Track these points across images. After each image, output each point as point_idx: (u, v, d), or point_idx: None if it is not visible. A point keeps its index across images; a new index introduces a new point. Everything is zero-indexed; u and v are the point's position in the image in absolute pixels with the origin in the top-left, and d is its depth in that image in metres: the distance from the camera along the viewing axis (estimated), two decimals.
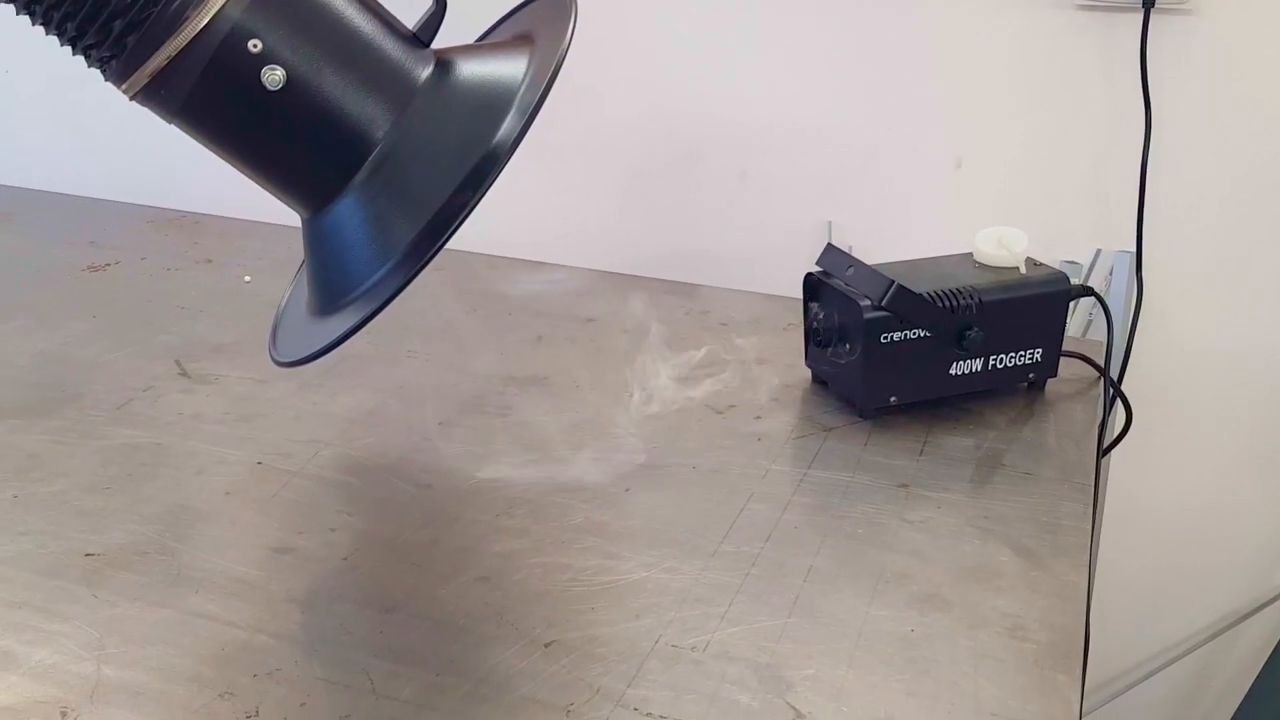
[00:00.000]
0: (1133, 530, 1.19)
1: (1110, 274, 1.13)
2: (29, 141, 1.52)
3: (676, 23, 1.18)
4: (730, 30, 1.17)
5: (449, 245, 1.18)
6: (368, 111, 0.60)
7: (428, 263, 0.58)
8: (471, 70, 0.63)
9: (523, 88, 0.60)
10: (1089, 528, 0.71)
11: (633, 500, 0.74)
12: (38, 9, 0.57)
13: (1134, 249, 1.10)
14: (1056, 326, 0.87)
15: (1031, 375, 0.88)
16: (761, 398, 0.87)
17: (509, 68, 0.63)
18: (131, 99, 0.60)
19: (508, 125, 0.58)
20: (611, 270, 1.14)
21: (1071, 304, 0.98)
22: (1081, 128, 1.09)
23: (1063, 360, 0.90)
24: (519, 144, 0.57)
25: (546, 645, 0.60)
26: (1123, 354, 1.11)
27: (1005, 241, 0.88)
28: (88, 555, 0.68)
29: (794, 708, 0.56)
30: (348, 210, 0.62)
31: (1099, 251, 1.13)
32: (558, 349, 0.96)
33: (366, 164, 0.61)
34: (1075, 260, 1.14)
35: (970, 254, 0.90)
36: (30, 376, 0.90)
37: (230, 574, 0.66)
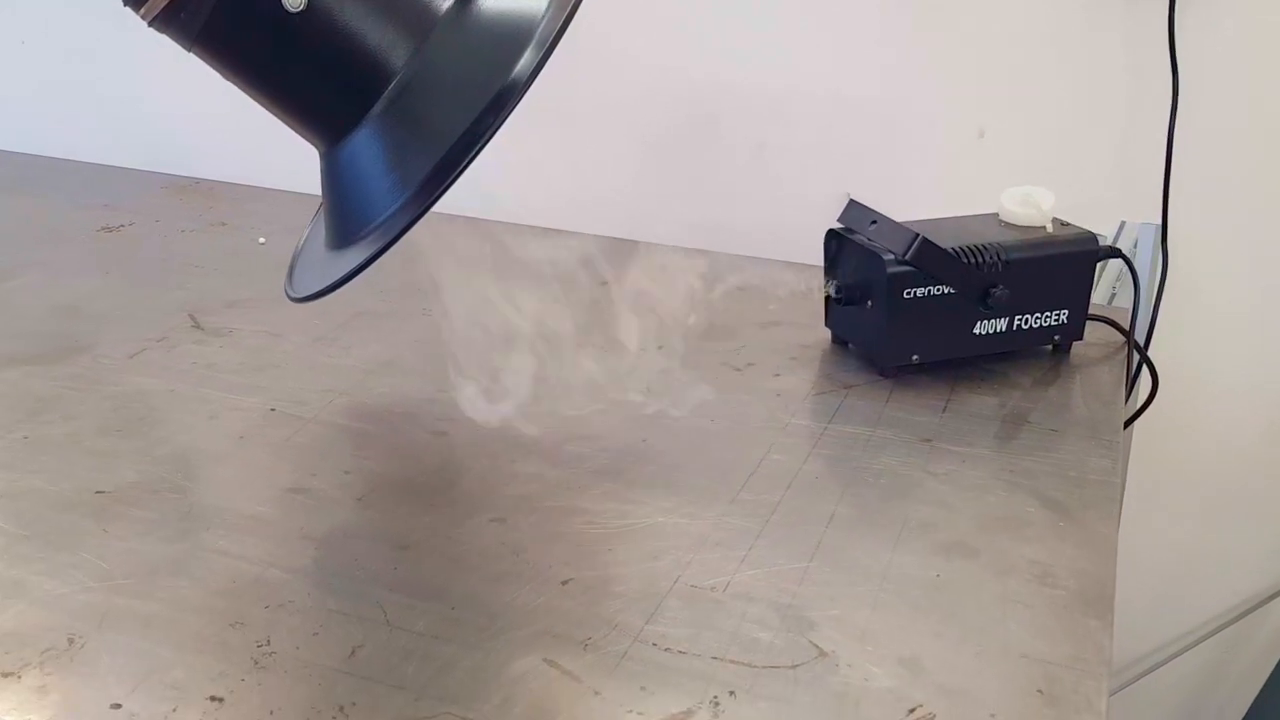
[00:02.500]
0: (1152, 508, 1.17)
1: (1135, 246, 1.11)
2: (46, 110, 1.51)
3: None
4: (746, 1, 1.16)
5: (465, 212, 1.17)
6: (389, 39, 0.59)
7: (442, 194, 0.58)
8: (493, 2, 0.62)
9: (543, 21, 0.59)
10: (1118, 482, 0.69)
11: (650, 449, 0.72)
12: None
13: (1159, 221, 1.08)
14: (1083, 288, 0.86)
15: (1057, 337, 0.86)
16: (780, 357, 0.86)
17: (530, 1, 0.62)
18: (150, 24, 0.59)
19: (526, 58, 0.57)
20: (625, 237, 1.13)
21: (1099, 268, 0.97)
22: (1107, 97, 1.07)
23: (1088, 325, 0.89)
24: (536, 77, 0.56)
25: (563, 583, 0.59)
26: (1147, 327, 1.09)
27: (1033, 199, 0.86)
28: (98, 493, 0.67)
29: (817, 646, 0.54)
30: (365, 141, 0.61)
31: (1124, 223, 1.11)
32: (572, 309, 0.94)
33: (385, 94, 0.60)
34: (1099, 232, 1.12)
35: (996, 214, 0.88)
36: (43, 327, 0.90)
37: (243, 512, 0.65)
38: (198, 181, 1.28)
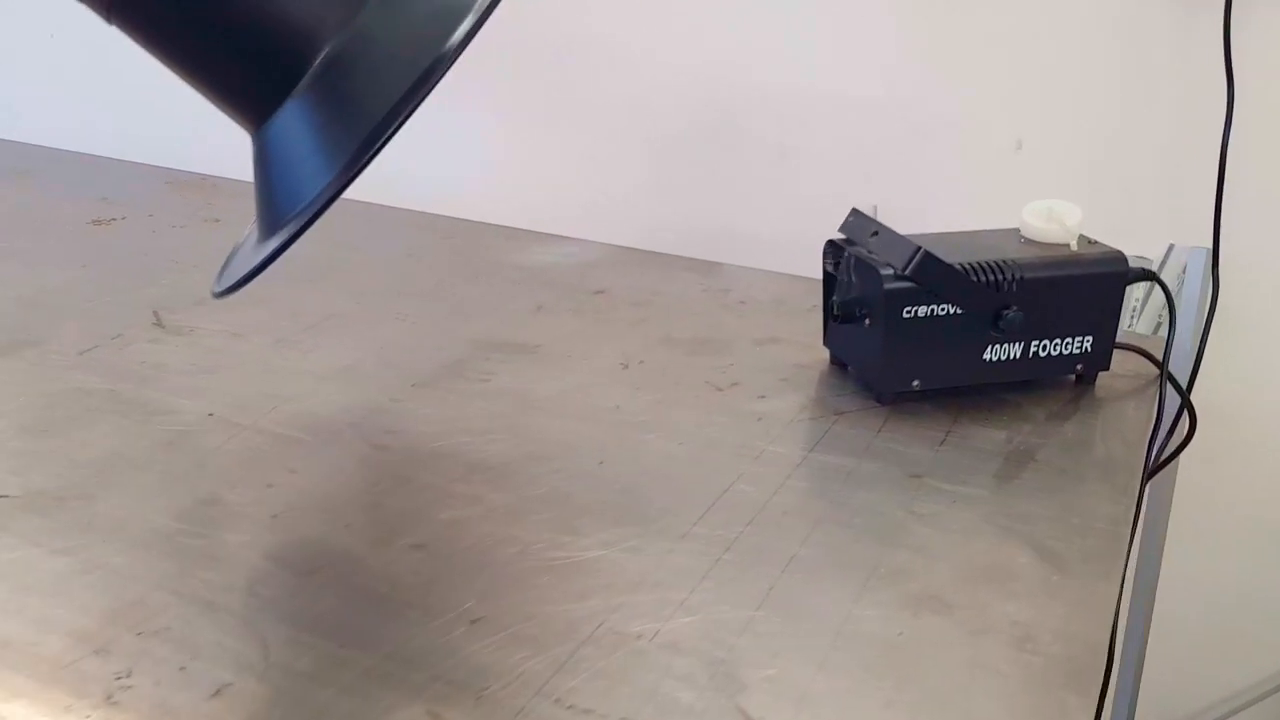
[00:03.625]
0: (1194, 558, 1.07)
1: (1184, 271, 1.02)
2: (68, 104, 1.50)
3: None
4: None
5: (465, 215, 1.12)
6: (316, 9, 0.54)
7: (357, 174, 0.52)
8: None
9: None
10: (1127, 533, 0.61)
11: (604, 473, 0.66)
12: None
13: (1210, 244, 0.99)
14: (1110, 312, 0.77)
15: (1080, 367, 0.78)
16: (769, 377, 0.79)
17: None
18: None
19: (460, 30, 0.51)
20: (634, 246, 1.06)
21: (1141, 296, 0.89)
22: (1156, 108, 0.99)
23: (1120, 355, 0.80)
24: (465, 47, 0.51)
25: (473, 622, 0.52)
26: (1194, 358, 1.00)
27: (1056, 214, 0.78)
28: (1, 497, 0.62)
29: (743, 712, 0.47)
30: (288, 120, 0.56)
31: (1172, 246, 1.02)
32: (557, 319, 0.88)
33: (311, 69, 0.54)
34: (1145, 255, 1.03)
35: (1017, 229, 0.80)
36: (1, 319, 0.86)
37: (147, 525, 0.60)
38: (204, 177, 1.25)
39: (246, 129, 0.59)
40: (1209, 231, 0.98)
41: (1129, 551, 0.65)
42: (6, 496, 0.62)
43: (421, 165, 1.26)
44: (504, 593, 0.55)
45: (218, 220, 1.11)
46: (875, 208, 1.12)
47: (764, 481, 0.65)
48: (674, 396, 0.76)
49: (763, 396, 0.76)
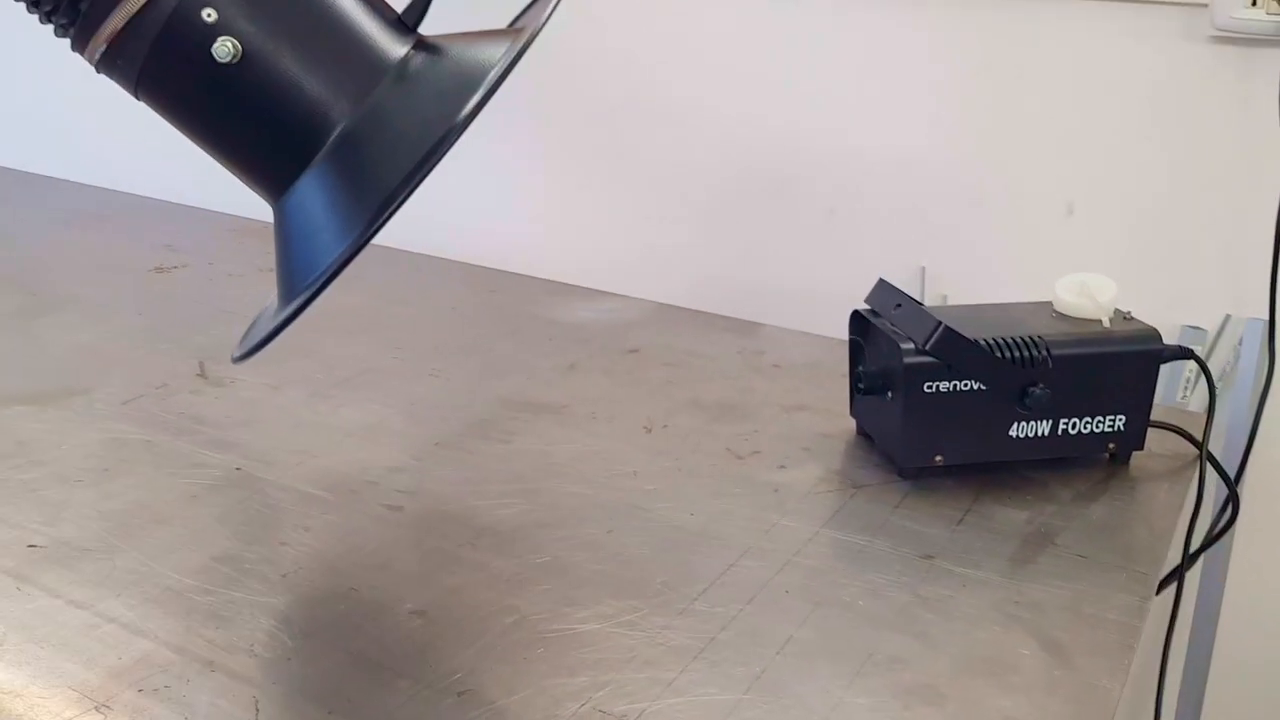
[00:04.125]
0: (1250, 643, 1.03)
1: (1240, 344, 0.99)
2: (151, 151, 1.56)
3: (767, 45, 1.11)
4: (827, 55, 1.09)
5: (513, 268, 1.14)
6: (329, 91, 0.56)
7: (363, 246, 0.54)
8: (450, 54, 0.59)
9: (494, 69, 0.55)
10: (1140, 626, 0.59)
11: (611, 543, 0.66)
12: None
13: (1268, 316, 0.96)
14: (1144, 391, 0.75)
15: (1112, 446, 0.76)
16: (792, 446, 0.78)
17: (489, 52, 0.58)
18: (97, 71, 0.59)
19: (470, 103, 0.53)
20: (676, 304, 1.07)
21: (1194, 370, 0.87)
22: (1213, 174, 0.96)
23: (1162, 434, 0.78)
24: (472, 120, 0.52)
25: (459, 694, 0.53)
26: (1248, 435, 0.96)
27: (1089, 289, 0.77)
28: (30, 546, 0.65)
29: None
30: (304, 192, 0.58)
31: (1228, 317, 0.99)
32: (587, 378, 0.89)
33: (325, 147, 0.57)
34: (1199, 326, 1.00)
35: (1049, 303, 0.79)
36: (55, 366, 0.90)
37: (160, 581, 0.62)
38: (266, 225, 1.29)
39: (267, 200, 0.61)
40: (1266, 302, 0.95)
41: (1169, 640, 0.63)
42: (35, 546, 0.65)
43: (474, 219, 1.29)
44: (495, 665, 0.55)
45: (273, 270, 1.14)
46: (923, 269, 1.11)
47: (771, 557, 0.65)
48: (692, 464, 0.76)
49: (782, 466, 0.76)
